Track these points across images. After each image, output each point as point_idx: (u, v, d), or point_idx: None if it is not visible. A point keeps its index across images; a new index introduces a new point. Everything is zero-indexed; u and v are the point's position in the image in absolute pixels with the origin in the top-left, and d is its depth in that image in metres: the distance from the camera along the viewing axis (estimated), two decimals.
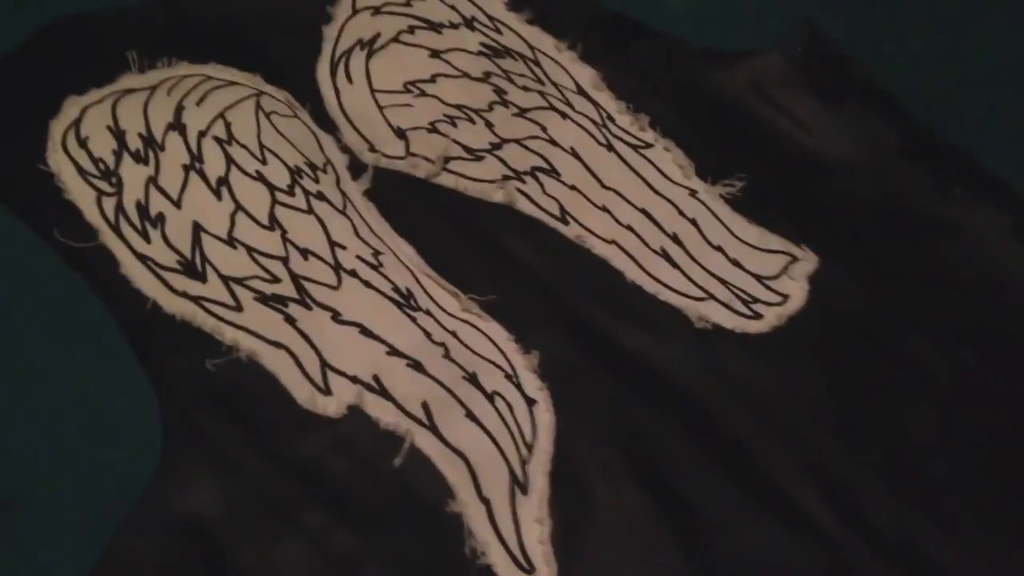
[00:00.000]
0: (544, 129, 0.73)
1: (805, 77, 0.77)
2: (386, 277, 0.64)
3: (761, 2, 0.83)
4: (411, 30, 0.76)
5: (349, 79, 0.73)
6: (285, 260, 0.63)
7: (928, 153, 0.74)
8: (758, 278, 0.69)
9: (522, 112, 0.74)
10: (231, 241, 0.63)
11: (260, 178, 0.65)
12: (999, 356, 0.67)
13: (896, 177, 0.74)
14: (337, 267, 0.63)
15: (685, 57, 0.78)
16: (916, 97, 0.76)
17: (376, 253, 0.65)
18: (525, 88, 0.75)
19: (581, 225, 0.69)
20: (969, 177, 0.73)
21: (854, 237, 0.71)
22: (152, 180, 0.64)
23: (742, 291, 0.68)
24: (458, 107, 0.73)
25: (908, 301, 0.69)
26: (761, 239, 0.70)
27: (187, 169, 0.64)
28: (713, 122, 0.76)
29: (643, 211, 0.71)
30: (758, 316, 0.67)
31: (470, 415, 0.60)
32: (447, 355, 0.62)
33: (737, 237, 0.70)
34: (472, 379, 0.61)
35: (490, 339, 0.63)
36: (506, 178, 0.71)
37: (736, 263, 0.69)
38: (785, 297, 0.68)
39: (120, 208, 0.63)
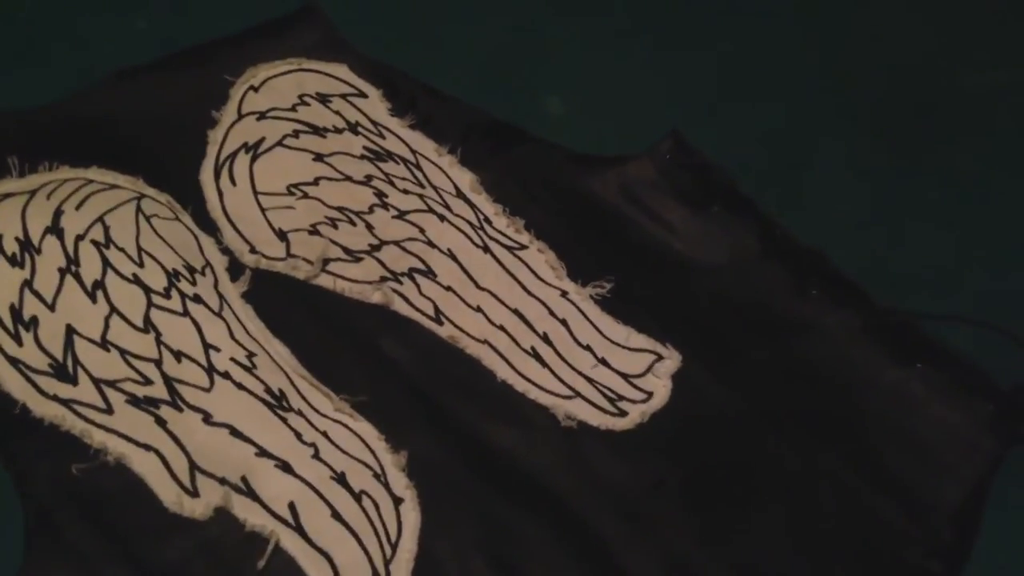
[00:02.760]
0: (423, 231, 0.76)
1: (673, 183, 0.81)
2: (259, 379, 0.65)
3: (634, 110, 0.88)
4: (296, 134, 0.78)
5: (233, 182, 0.75)
6: (158, 362, 0.64)
7: (787, 256, 0.79)
8: (624, 376, 0.72)
9: (402, 215, 0.76)
10: (104, 344, 0.64)
11: (136, 281, 0.66)
12: (850, 455, 0.70)
13: (757, 279, 0.78)
14: (210, 369, 0.65)
15: (561, 162, 0.82)
16: (772, 203, 0.81)
17: (250, 355, 0.66)
18: (406, 191, 0.78)
19: (455, 325, 0.72)
20: (824, 279, 0.78)
21: (717, 336, 0.75)
22: (27, 283, 0.65)
23: (608, 389, 0.71)
24: (339, 209, 0.76)
25: (766, 399, 0.72)
26: (628, 338, 0.74)
27: (63, 272, 0.66)
28: (586, 225, 0.79)
29: (515, 311, 0.73)
30: (623, 413, 0.70)
31: (336, 515, 0.61)
32: (316, 455, 0.63)
33: (605, 336, 0.74)
34: (340, 479, 0.63)
35: (361, 439, 0.65)
36: (384, 279, 0.73)
37: (603, 362, 0.72)
38: (649, 395, 0.71)
39: None
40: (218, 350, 0.66)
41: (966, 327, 0.75)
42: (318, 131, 0.79)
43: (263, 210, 0.75)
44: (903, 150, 0.90)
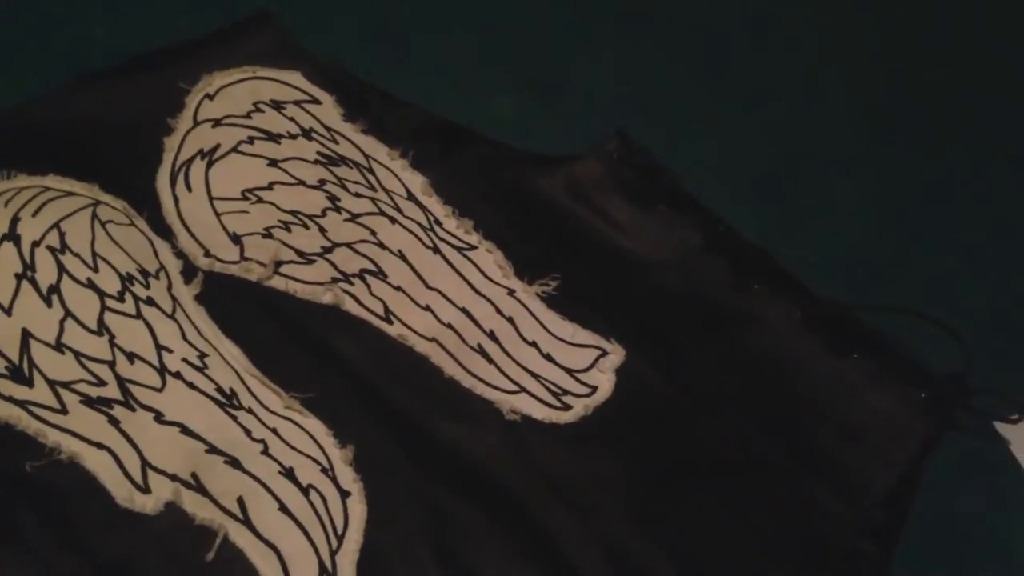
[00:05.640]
0: (374, 233, 0.78)
1: (618, 181, 0.84)
2: (210, 378, 0.68)
3: (581, 110, 0.90)
4: (251, 140, 0.81)
5: (188, 187, 0.77)
6: (112, 364, 0.66)
7: (729, 251, 0.81)
8: (569, 371, 0.74)
9: (354, 217, 0.79)
10: (59, 347, 0.66)
11: (91, 285, 0.69)
12: (788, 440, 0.73)
13: (700, 274, 0.80)
14: (162, 370, 0.67)
15: (510, 162, 0.84)
16: (718, 199, 0.83)
17: (202, 355, 0.68)
18: (358, 195, 0.80)
19: (404, 324, 0.74)
20: (766, 273, 0.80)
21: (661, 330, 0.77)
22: None
23: (553, 384, 0.73)
24: (293, 213, 0.78)
25: (706, 389, 0.74)
26: (574, 334, 0.76)
27: (19, 278, 0.68)
28: (534, 223, 0.82)
29: (463, 310, 0.76)
30: (567, 407, 0.72)
31: (283, 508, 0.63)
32: (265, 451, 0.66)
33: (551, 333, 0.76)
34: (288, 474, 0.65)
35: (309, 435, 0.67)
36: (335, 280, 0.75)
37: (549, 357, 0.75)
38: (593, 389, 0.74)
39: None
40: (170, 351, 0.68)
41: (901, 318, 0.78)
42: (272, 137, 0.81)
43: (218, 215, 0.77)
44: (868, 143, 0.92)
